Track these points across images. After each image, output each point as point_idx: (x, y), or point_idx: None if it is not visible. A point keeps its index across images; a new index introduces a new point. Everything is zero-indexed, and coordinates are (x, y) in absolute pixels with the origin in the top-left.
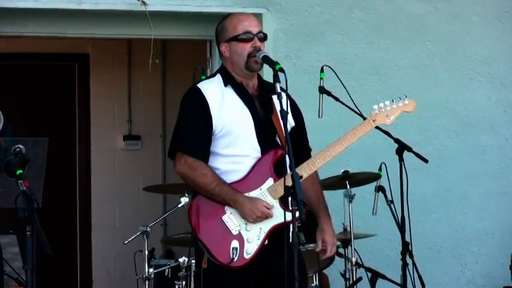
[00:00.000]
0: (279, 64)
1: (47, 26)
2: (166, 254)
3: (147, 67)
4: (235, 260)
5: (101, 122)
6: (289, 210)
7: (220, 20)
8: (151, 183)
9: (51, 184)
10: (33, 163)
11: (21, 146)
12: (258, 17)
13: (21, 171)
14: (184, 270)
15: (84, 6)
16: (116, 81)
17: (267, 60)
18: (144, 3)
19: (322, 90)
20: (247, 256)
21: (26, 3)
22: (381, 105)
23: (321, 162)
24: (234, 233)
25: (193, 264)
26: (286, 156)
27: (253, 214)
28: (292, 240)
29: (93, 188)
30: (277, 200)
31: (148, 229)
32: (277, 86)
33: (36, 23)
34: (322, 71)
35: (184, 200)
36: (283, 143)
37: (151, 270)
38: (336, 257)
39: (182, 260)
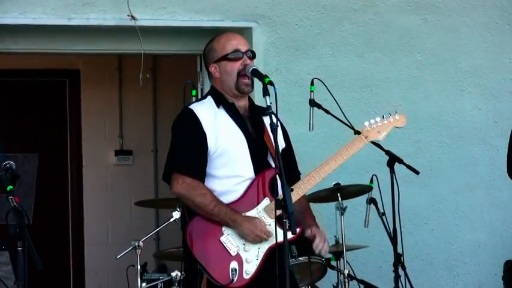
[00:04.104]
0: (268, 77)
1: (37, 42)
2: (159, 268)
3: (138, 82)
4: (234, 280)
5: (92, 137)
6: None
7: (208, 42)
8: (143, 197)
9: (43, 200)
10: (24, 179)
11: (11, 162)
12: (248, 31)
13: (11, 187)
14: (177, 285)
15: (74, 22)
16: (107, 97)
17: (256, 73)
18: (133, 18)
19: (313, 103)
20: (246, 276)
21: (15, 19)
22: (372, 121)
23: (316, 180)
24: (233, 253)
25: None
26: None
27: (252, 233)
28: (284, 254)
29: (85, 203)
30: (274, 220)
31: (140, 244)
32: (267, 99)
33: (26, 39)
34: (312, 84)
35: (176, 214)
36: (275, 162)
37: (144, 284)
38: (329, 269)
39: (175, 274)
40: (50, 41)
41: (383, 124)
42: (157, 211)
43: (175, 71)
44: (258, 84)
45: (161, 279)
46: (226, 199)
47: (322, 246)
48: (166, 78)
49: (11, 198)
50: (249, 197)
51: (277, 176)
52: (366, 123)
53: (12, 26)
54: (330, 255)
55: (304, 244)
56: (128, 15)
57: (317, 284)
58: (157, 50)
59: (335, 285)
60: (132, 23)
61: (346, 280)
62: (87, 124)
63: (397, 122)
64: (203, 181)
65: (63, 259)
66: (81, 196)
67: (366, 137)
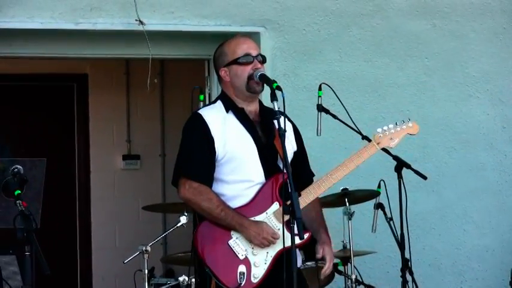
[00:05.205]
0: (276, 82)
1: (45, 46)
2: (167, 273)
3: (146, 87)
4: (242, 284)
5: (100, 141)
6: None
7: (218, 46)
8: (150, 202)
9: (51, 204)
10: (32, 183)
11: (19, 167)
12: (256, 35)
13: (19, 191)
14: None
15: (82, 27)
16: (114, 101)
17: (264, 78)
18: (141, 23)
19: (321, 108)
20: (254, 280)
21: (24, 24)
22: (385, 128)
23: (327, 186)
24: (241, 257)
25: (193, 283)
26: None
27: (259, 236)
28: (291, 258)
29: (93, 208)
30: (282, 224)
31: (148, 248)
32: (275, 104)
33: (34, 44)
34: (320, 89)
35: (183, 219)
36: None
37: None
38: (336, 275)
39: (182, 279)
40: (58, 46)
41: (395, 131)
42: (164, 216)
43: (183, 76)
44: (265, 89)
45: (168, 283)
46: (236, 204)
47: (327, 271)
48: (174, 83)
49: (19, 203)
50: (259, 202)
51: (287, 180)
52: (379, 130)
53: (19, 31)
54: (337, 260)
55: (312, 250)
56: (136, 20)
57: None
58: (165, 55)
59: None
60: (140, 27)
61: (354, 285)
62: (95, 129)
63: (410, 130)
64: (210, 186)
65: (70, 263)
66: (89, 201)
67: (378, 144)
